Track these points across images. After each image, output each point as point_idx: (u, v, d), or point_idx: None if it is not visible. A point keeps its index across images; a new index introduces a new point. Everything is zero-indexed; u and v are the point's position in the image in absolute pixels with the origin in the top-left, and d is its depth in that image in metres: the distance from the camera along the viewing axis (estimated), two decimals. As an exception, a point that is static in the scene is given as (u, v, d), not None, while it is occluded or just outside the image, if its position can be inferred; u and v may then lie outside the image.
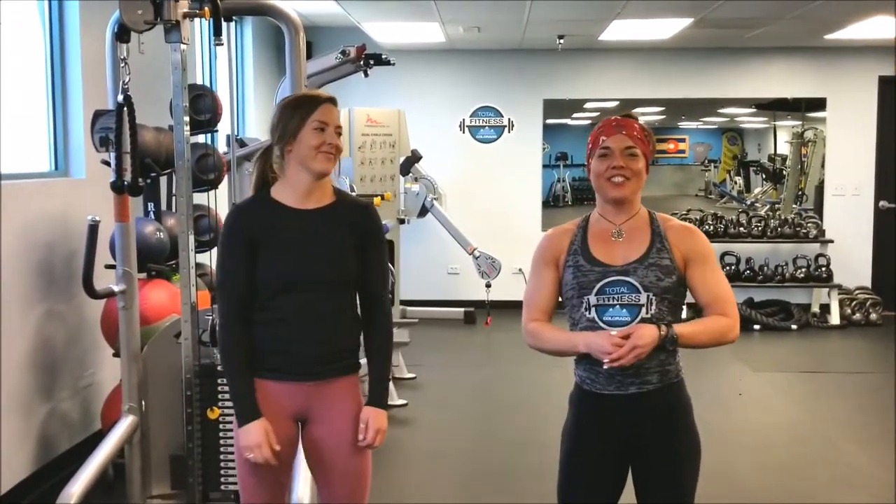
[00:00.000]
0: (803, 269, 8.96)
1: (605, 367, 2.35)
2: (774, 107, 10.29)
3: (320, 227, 2.60)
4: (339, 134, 2.62)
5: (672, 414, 2.48)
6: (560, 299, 2.58)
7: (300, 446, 2.72)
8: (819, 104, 9.49)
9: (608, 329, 2.40)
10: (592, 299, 2.44)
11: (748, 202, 11.03)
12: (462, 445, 5.33)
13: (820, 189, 9.63)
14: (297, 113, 2.58)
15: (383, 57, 6.55)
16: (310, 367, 2.59)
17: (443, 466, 4.99)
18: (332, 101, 2.63)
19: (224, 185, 4.74)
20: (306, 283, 2.57)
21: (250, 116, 7.99)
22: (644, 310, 2.40)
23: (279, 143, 2.60)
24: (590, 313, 2.44)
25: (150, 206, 4.73)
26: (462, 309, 8.93)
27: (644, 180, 2.53)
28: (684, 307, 2.56)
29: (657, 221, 2.52)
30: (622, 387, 2.44)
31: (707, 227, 9.22)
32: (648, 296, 2.40)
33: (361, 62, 6.23)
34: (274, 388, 2.60)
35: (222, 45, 3.64)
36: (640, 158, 2.47)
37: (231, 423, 3.60)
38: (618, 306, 2.42)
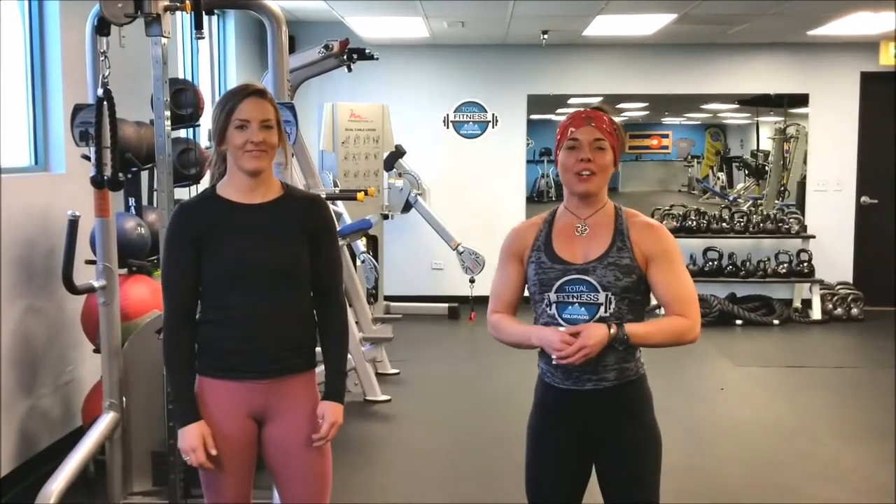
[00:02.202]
0: (785, 265, 9.00)
1: (553, 363, 2.37)
2: (757, 102, 10.33)
3: (266, 221, 2.56)
4: (269, 127, 2.52)
5: (630, 411, 2.47)
6: (525, 293, 2.58)
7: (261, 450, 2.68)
8: (801, 100, 9.53)
9: (566, 326, 2.40)
10: (553, 296, 2.44)
11: (731, 198, 11.07)
12: (446, 440, 5.33)
13: (802, 185, 9.68)
14: (222, 112, 2.53)
15: (367, 52, 6.54)
16: (264, 364, 2.55)
17: (426, 461, 4.99)
18: (256, 93, 2.55)
19: (206, 180, 4.72)
20: (253, 277, 2.52)
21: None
22: (602, 308, 2.40)
23: (215, 143, 2.57)
24: (550, 310, 2.44)
25: (131, 201, 4.70)
26: (446, 304, 8.92)
27: (611, 174, 2.51)
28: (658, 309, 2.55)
29: (622, 218, 2.50)
30: (578, 382, 2.44)
31: (690, 222, 9.24)
32: (607, 295, 2.40)
33: (345, 57, 6.22)
34: (229, 388, 2.56)
35: (204, 38, 3.62)
36: (608, 152, 2.45)
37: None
38: (577, 304, 2.42)
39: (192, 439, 2.51)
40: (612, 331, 2.34)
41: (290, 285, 2.57)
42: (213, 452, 2.52)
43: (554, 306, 2.44)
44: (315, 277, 2.63)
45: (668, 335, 2.44)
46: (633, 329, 2.38)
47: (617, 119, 2.54)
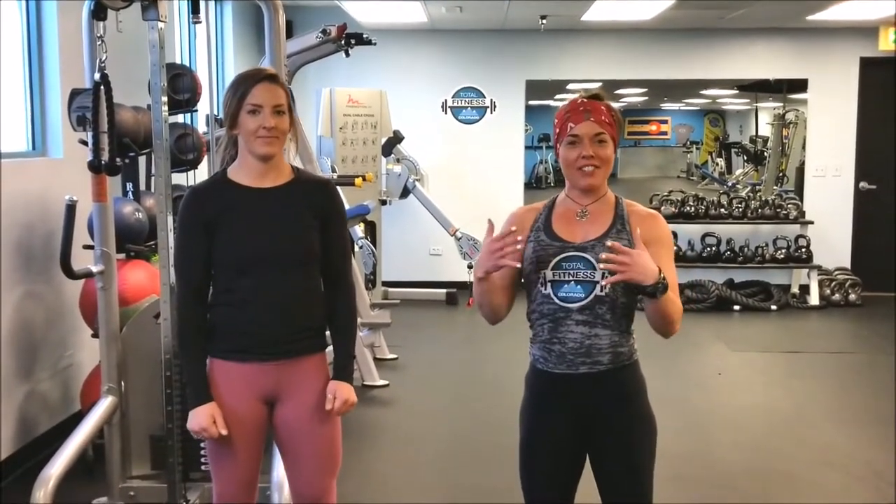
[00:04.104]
0: (783, 251, 9.01)
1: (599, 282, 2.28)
2: (756, 88, 10.32)
3: (277, 205, 2.58)
4: (281, 112, 2.54)
5: (624, 395, 2.47)
6: (521, 279, 2.56)
7: (272, 430, 2.71)
8: (801, 85, 9.52)
9: (563, 304, 2.41)
10: (549, 274, 2.44)
11: (729, 184, 11.07)
12: (443, 425, 5.34)
13: (801, 170, 9.67)
14: (234, 97, 2.54)
15: (364, 37, 6.52)
16: (275, 346, 2.58)
17: (424, 446, 5.00)
18: (269, 78, 2.56)
19: (203, 166, 4.72)
20: (265, 262, 2.55)
21: (231, 96, 7.92)
22: (598, 287, 2.40)
23: (226, 127, 2.59)
24: (545, 288, 2.44)
25: (129, 186, 4.69)
26: (444, 290, 8.93)
27: (612, 163, 2.52)
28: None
29: (622, 205, 2.51)
30: (572, 366, 2.44)
31: (688, 208, 9.25)
32: (604, 273, 2.39)
33: (342, 42, 6.20)
34: (240, 370, 2.59)
35: (200, 22, 3.61)
36: (608, 144, 2.46)
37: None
38: (573, 282, 2.41)
39: (201, 420, 2.54)
40: (661, 274, 2.27)
41: (301, 269, 2.60)
42: (224, 432, 2.55)
43: (549, 285, 2.44)
44: (325, 261, 2.65)
45: (676, 312, 2.37)
46: (670, 290, 2.31)
47: (615, 105, 2.53)
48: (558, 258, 2.44)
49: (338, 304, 2.69)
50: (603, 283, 2.34)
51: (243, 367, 2.59)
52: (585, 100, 2.48)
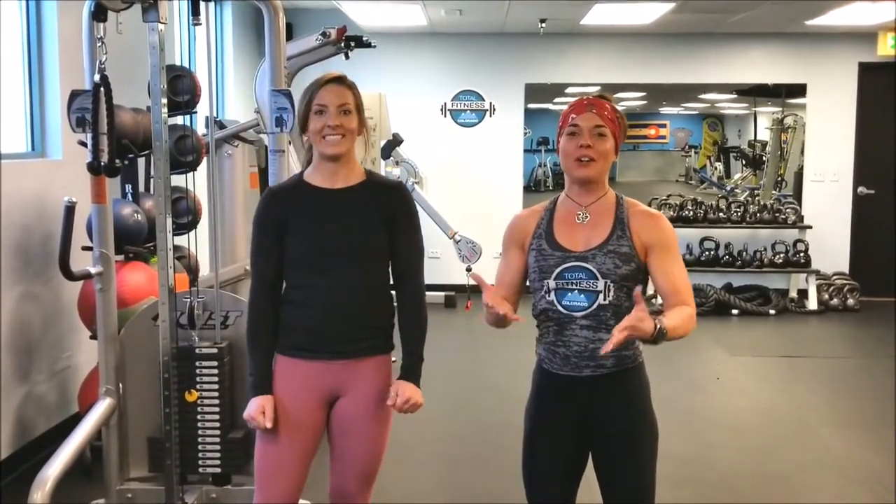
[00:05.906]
0: (782, 255, 9.02)
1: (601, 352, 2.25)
2: (755, 93, 10.32)
3: (345, 206, 2.64)
4: (347, 112, 2.60)
5: (628, 397, 2.48)
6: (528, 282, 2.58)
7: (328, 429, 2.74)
8: (799, 90, 9.53)
9: (567, 312, 2.42)
10: (552, 283, 2.44)
11: (728, 188, 11.07)
12: (442, 428, 5.34)
13: (799, 175, 9.68)
14: (303, 100, 2.64)
15: (364, 39, 6.51)
16: (339, 345, 2.62)
17: (423, 449, 5.00)
18: (336, 80, 2.64)
19: (203, 168, 4.72)
20: (328, 260, 2.60)
21: (229, 98, 7.94)
22: (602, 296, 2.40)
23: (300, 133, 2.68)
24: (549, 296, 2.45)
25: (128, 187, 4.69)
26: (443, 293, 8.91)
27: (612, 161, 2.51)
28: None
29: (623, 207, 2.49)
30: (576, 369, 2.45)
31: (687, 212, 9.26)
32: (606, 282, 2.39)
33: (342, 44, 6.19)
34: (304, 367, 2.64)
35: (200, 24, 3.60)
36: (608, 139, 2.44)
37: (209, 405, 3.63)
38: (576, 291, 2.42)
39: (251, 409, 2.61)
40: (656, 329, 2.23)
41: (366, 269, 2.65)
42: (269, 425, 2.60)
43: (553, 293, 2.44)
44: (394, 261, 2.72)
45: (686, 328, 2.36)
46: (668, 324, 2.28)
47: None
48: (560, 269, 2.44)
49: (407, 305, 2.75)
50: (600, 353, 2.26)
51: (308, 364, 2.64)
52: (591, 97, 2.49)
